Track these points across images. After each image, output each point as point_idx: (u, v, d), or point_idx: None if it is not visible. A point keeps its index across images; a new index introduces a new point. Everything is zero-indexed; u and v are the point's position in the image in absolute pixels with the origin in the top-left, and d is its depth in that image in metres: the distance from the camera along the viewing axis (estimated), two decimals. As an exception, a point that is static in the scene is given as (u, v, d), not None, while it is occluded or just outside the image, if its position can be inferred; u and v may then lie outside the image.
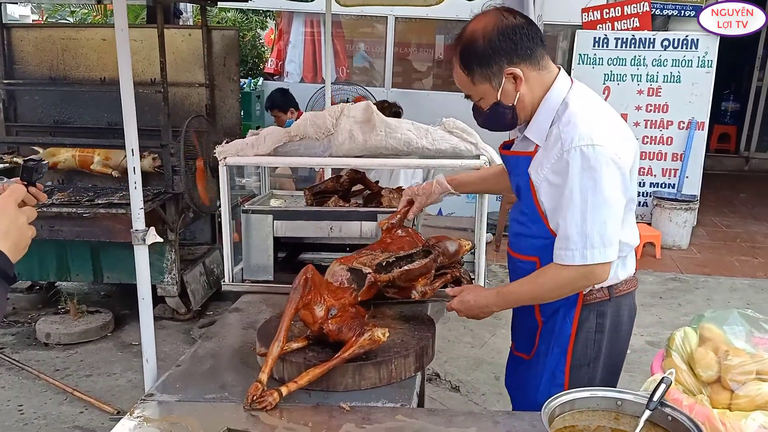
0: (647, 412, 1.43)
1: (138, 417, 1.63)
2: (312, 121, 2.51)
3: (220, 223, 5.94)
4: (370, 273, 2.03)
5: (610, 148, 1.67)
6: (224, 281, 2.64)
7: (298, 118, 6.33)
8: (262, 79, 8.37)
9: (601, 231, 1.68)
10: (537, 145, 1.79)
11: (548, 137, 1.75)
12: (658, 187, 6.56)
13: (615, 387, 1.99)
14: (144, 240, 2.14)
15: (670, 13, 6.48)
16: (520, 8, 6.42)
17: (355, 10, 7.03)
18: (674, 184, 6.52)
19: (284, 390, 1.66)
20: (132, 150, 2.06)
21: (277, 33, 8.51)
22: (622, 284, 1.90)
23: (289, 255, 2.92)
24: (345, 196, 2.76)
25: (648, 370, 3.80)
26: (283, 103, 6.35)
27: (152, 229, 2.13)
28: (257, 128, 7.70)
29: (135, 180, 2.12)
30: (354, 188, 2.85)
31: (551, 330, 1.86)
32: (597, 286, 1.84)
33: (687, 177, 6.45)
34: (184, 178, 4.21)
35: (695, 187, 6.52)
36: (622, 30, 6.37)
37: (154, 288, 4.85)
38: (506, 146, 2.00)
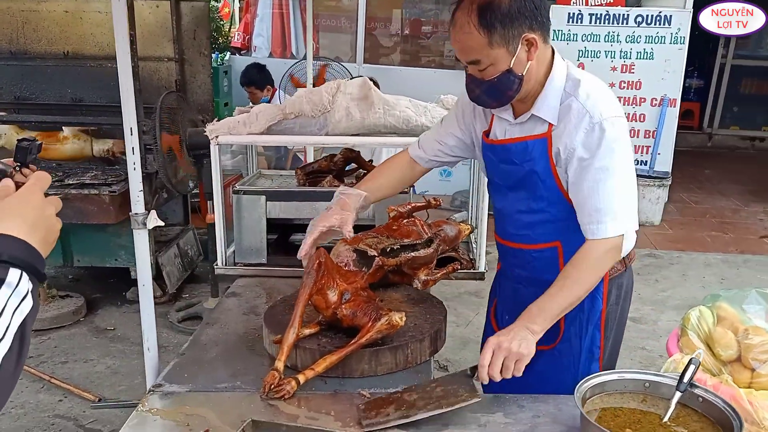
0: (678, 394, 1.43)
1: (149, 409, 1.56)
2: (308, 97, 2.43)
3: (193, 204, 5.82)
4: (377, 256, 1.99)
5: (625, 122, 1.72)
6: (217, 264, 2.57)
7: (272, 96, 6.23)
8: (229, 53, 8.15)
9: (631, 200, 1.72)
10: (550, 125, 1.73)
11: (567, 113, 1.70)
12: (630, 163, 6.60)
13: (616, 360, 2.02)
14: (145, 224, 2.05)
15: (642, -12, 6.50)
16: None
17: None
18: (647, 161, 6.59)
19: (301, 378, 1.61)
20: (131, 129, 1.94)
21: (243, 5, 8.28)
22: (630, 254, 1.92)
23: (280, 237, 2.85)
24: (339, 176, 2.69)
25: (632, 346, 3.89)
26: (260, 80, 6.19)
27: (153, 213, 2.03)
28: (225, 105, 7.49)
29: (134, 161, 2.01)
30: (347, 168, 2.78)
31: (580, 309, 1.80)
32: None
33: (659, 154, 6.53)
34: (159, 157, 4.06)
35: (667, 163, 6.61)
36: (596, 5, 6.37)
37: (127, 271, 4.73)
38: (491, 135, 1.89)
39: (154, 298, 4.62)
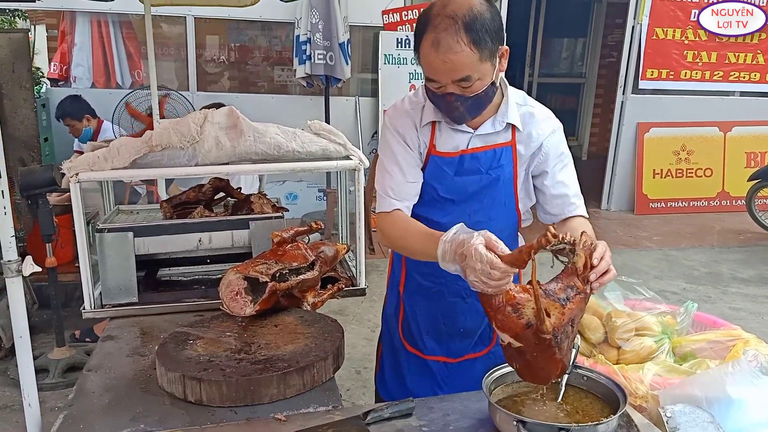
0: (565, 377, 1.60)
1: (52, 468, 1.45)
2: (175, 128, 2.38)
3: (20, 248, 5.33)
4: (269, 282, 2.01)
5: None
6: (84, 308, 2.41)
7: (99, 126, 5.90)
8: (45, 85, 7.59)
9: None
10: (513, 134, 1.89)
11: (530, 120, 1.90)
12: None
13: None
14: (20, 271, 1.88)
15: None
16: (326, 9, 6.59)
17: (155, 10, 6.66)
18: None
19: None
20: (0, 171, 1.79)
21: (58, 34, 7.76)
22: None
23: (147, 273, 2.73)
24: (209, 206, 2.66)
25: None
26: (75, 110, 5.84)
27: (29, 259, 1.88)
28: (45, 140, 7.00)
29: (4, 205, 1.84)
30: (216, 197, 2.75)
31: None
32: None
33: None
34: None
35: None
36: (420, 31, 6.77)
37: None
38: (439, 148, 1.94)
39: (-14, 355, 4.29)
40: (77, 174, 2.30)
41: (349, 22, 6.97)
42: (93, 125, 5.94)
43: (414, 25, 1.97)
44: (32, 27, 9.34)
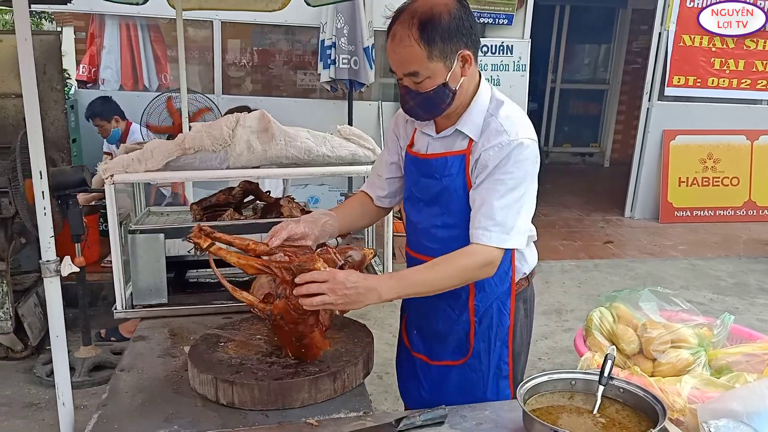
0: (601, 388, 1.58)
1: (88, 468, 1.47)
2: (208, 132, 2.40)
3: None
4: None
5: (536, 148, 1.82)
6: (116, 308, 2.43)
7: (127, 129, 5.97)
8: (74, 87, 7.69)
9: (523, 220, 1.78)
10: (471, 141, 1.82)
11: (485, 130, 1.81)
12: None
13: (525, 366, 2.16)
14: (58, 271, 1.91)
15: (485, 21, 7.02)
16: (351, 14, 6.60)
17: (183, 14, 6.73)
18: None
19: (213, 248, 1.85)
20: (40, 172, 1.81)
21: (87, 37, 7.86)
22: (533, 269, 2.06)
23: (176, 275, 2.76)
24: (238, 209, 2.67)
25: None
26: (104, 111, 5.92)
27: (67, 259, 1.90)
28: (73, 141, 7.08)
29: (44, 206, 1.86)
30: (245, 200, 2.76)
31: (489, 326, 1.91)
32: (520, 274, 1.97)
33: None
34: (21, 201, 3.75)
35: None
36: (445, 37, 6.77)
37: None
38: (414, 148, 1.99)
39: (15, 352, 4.35)
40: (112, 176, 2.33)
41: (374, 27, 6.99)
42: (121, 127, 6.01)
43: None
44: (59, 29, 9.48)
